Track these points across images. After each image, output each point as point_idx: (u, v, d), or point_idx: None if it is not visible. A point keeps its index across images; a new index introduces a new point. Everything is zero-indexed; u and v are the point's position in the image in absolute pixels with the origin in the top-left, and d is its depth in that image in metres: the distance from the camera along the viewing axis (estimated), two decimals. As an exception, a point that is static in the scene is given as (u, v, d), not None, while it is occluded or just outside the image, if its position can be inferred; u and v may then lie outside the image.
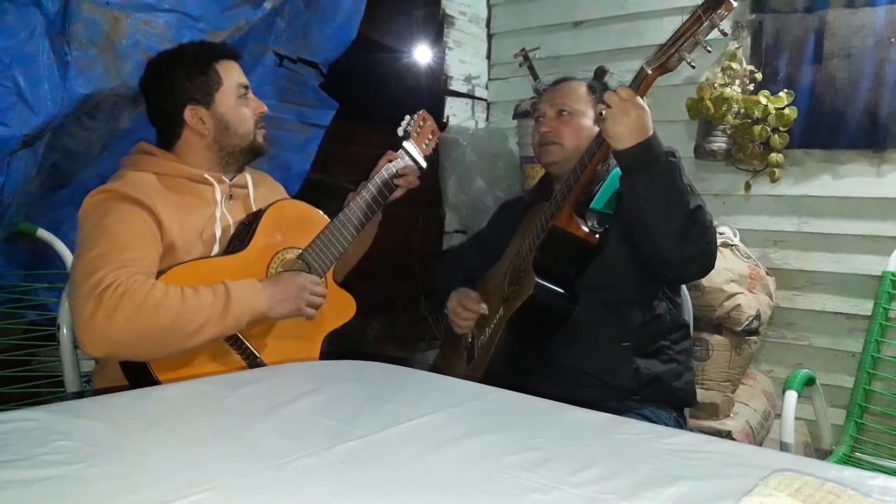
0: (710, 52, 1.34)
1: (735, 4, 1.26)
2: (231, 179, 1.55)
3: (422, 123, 1.74)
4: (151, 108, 1.52)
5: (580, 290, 1.54)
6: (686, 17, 1.32)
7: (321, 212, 1.63)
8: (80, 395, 1.66)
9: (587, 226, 1.53)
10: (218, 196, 1.50)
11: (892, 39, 2.27)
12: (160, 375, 1.32)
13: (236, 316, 1.33)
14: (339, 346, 1.61)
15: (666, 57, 1.33)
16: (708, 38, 1.31)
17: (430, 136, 1.76)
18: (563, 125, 1.65)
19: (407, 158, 1.67)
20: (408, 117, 1.72)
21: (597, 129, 1.65)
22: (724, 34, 1.39)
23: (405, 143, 1.69)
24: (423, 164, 1.71)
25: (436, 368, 1.88)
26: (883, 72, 2.27)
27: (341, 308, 1.62)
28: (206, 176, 1.49)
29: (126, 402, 1.15)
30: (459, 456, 0.91)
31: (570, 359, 1.56)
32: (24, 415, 1.02)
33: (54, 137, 1.68)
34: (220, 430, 1.00)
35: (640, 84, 1.37)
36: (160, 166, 1.46)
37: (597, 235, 1.53)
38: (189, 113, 1.47)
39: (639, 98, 1.36)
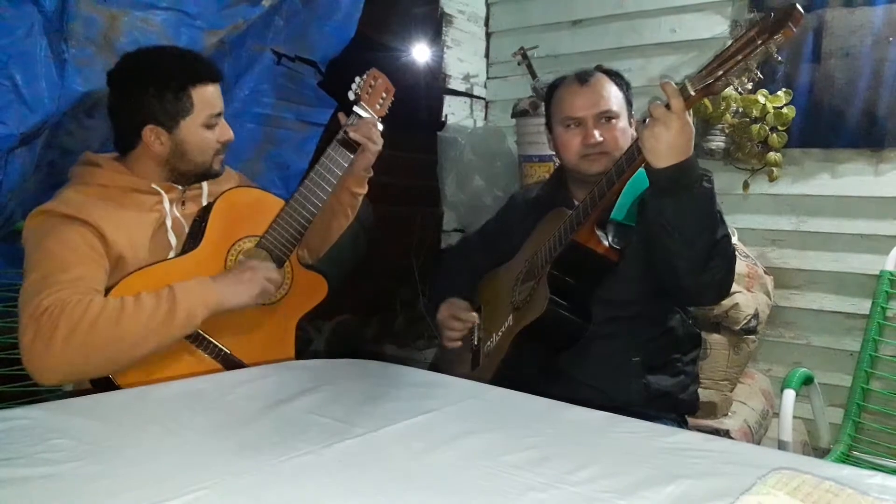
0: (761, 79, 1.23)
1: (795, 31, 1.12)
2: (182, 187, 1.50)
3: (372, 83, 1.63)
4: (113, 107, 1.45)
5: (592, 303, 1.49)
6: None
7: (275, 196, 1.58)
8: (76, 393, 1.66)
9: (608, 240, 1.46)
10: (167, 205, 1.45)
11: (891, 38, 2.27)
12: (121, 381, 1.30)
13: (186, 315, 1.29)
14: (336, 345, 1.61)
15: (713, 78, 1.20)
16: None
17: (384, 95, 1.64)
18: (609, 132, 1.54)
19: (358, 121, 1.58)
20: (357, 78, 1.63)
21: (632, 131, 1.58)
22: (780, 62, 1.25)
23: (355, 107, 1.59)
24: (379, 125, 1.61)
25: (437, 369, 1.85)
26: (881, 71, 2.28)
27: (312, 289, 1.60)
28: (154, 186, 1.44)
29: (123, 401, 1.15)
30: (457, 454, 0.91)
31: (578, 373, 1.51)
32: (20, 413, 1.02)
33: (52, 136, 1.68)
34: (218, 429, 1.00)
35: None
36: (105, 178, 1.41)
37: (617, 252, 1.46)
38: (148, 132, 1.40)
39: (687, 114, 1.24)
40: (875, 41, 2.29)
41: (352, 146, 1.56)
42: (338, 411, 1.08)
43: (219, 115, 1.46)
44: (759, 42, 1.14)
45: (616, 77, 1.63)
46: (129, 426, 1.00)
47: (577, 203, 1.51)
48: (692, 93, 1.23)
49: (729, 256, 1.39)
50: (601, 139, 1.53)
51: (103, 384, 1.31)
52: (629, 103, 1.61)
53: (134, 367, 1.30)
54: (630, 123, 1.60)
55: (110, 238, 1.33)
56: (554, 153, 1.69)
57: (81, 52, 1.59)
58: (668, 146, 1.25)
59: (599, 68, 2.43)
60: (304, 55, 2.37)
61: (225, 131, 1.48)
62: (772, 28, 1.13)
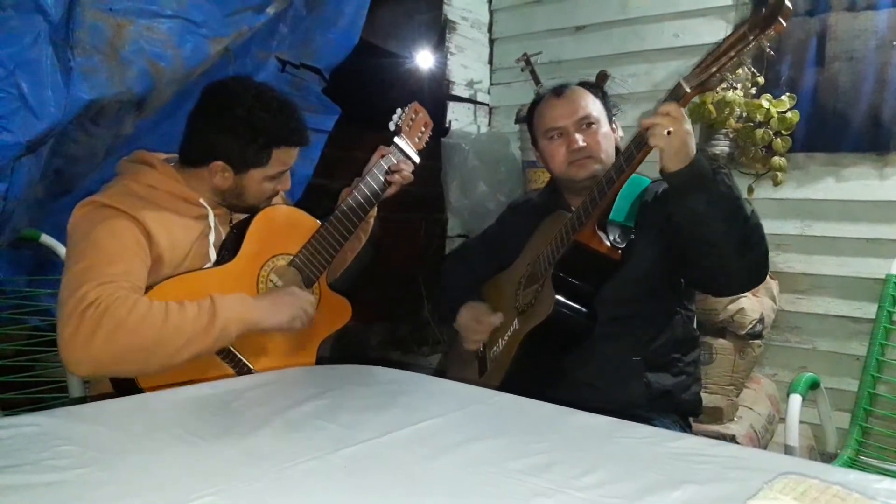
0: (756, 75, 1.25)
1: (785, 24, 1.16)
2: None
3: (413, 116, 1.67)
4: (196, 119, 1.46)
5: (595, 304, 1.50)
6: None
7: (311, 216, 1.60)
8: (82, 400, 1.67)
9: (609, 240, 1.47)
10: (212, 220, 1.46)
11: (895, 42, 2.27)
12: (144, 385, 1.31)
13: (223, 329, 1.30)
14: (342, 351, 1.61)
15: (707, 75, 1.24)
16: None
17: (423, 129, 1.69)
18: (592, 137, 1.57)
19: (399, 154, 1.62)
20: (399, 110, 1.66)
21: (616, 136, 1.63)
22: (772, 54, 1.30)
23: (396, 139, 1.63)
24: (416, 158, 1.65)
25: (443, 375, 1.85)
26: (885, 75, 2.28)
27: (336, 312, 1.61)
28: (202, 201, 1.46)
29: (129, 407, 1.15)
30: (463, 460, 0.91)
31: (580, 374, 1.53)
32: (27, 420, 1.02)
33: (58, 143, 1.68)
34: (224, 435, 1.00)
35: (678, 101, 1.29)
36: (156, 180, 1.41)
37: (619, 251, 1.47)
38: (217, 165, 1.43)
39: (684, 113, 1.29)
40: (879, 45, 2.29)
41: (390, 173, 1.60)
42: (343, 417, 1.08)
43: (287, 170, 1.50)
44: (751, 37, 1.18)
45: (592, 87, 1.67)
46: (135, 433, 1.00)
47: (573, 208, 1.53)
48: (688, 90, 1.27)
49: (761, 230, 1.40)
50: (584, 144, 1.57)
51: (125, 386, 1.32)
52: (609, 111, 1.65)
53: (160, 375, 1.31)
54: (613, 129, 1.64)
55: (155, 237, 1.35)
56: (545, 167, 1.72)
57: (87, 60, 1.59)
58: (681, 148, 1.28)
59: (603, 74, 2.44)
60: (308, 62, 2.37)
61: (285, 182, 1.53)
62: (763, 23, 1.16)
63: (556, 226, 1.55)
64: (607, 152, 1.58)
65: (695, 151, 1.30)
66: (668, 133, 1.26)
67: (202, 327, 1.28)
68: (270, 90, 1.49)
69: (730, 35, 1.22)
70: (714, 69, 1.23)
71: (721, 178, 1.33)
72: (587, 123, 1.59)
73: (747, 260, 1.38)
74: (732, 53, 1.21)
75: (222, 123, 1.42)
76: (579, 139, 1.57)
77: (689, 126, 1.30)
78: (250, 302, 1.37)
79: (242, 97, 1.42)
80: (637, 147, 1.34)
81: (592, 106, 1.61)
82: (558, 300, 1.46)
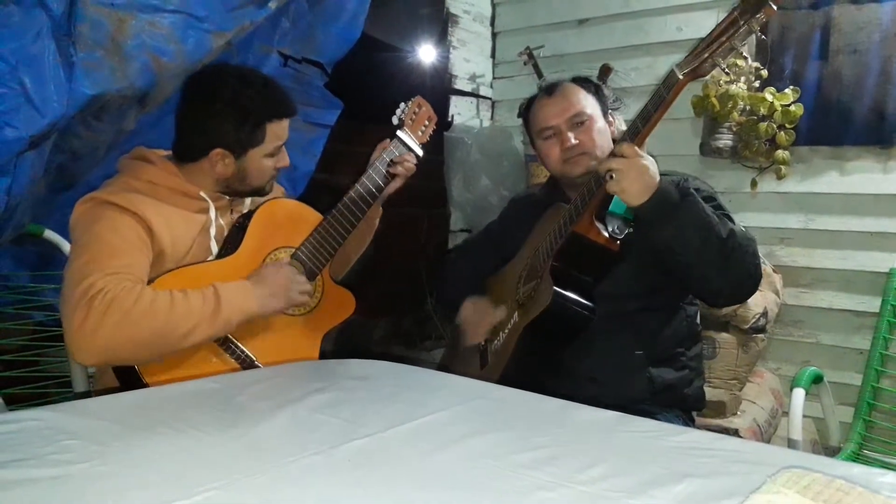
0: (746, 58, 1.28)
1: (775, 8, 1.18)
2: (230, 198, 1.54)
3: (416, 110, 1.67)
4: (185, 117, 1.46)
5: (596, 298, 1.50)
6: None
7: (313, 210, 1.61)
8: (86, 394, 1.67)
9: (607, 231, 1.48)
10: (213, 214, 1.47)
11: (899, 35, 2.25)
12: (148, 379, 1.32)
13: (226, 318, 1.32)
14: (345, 346, 1.62)
15: (698, 62, 1.25)
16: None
17: (427, 123, 1.69)
18: (585, 133, 1.58)
19: (402, 147, 1.62)
20: (402, 104, 1.67)
21: (611, 128, 1.63)
22: (763, 38, 1.33)
23: (399, 132, 1.63)
24: (419, 152, 1.65)
25: (445, 369, 1.86)
26: (889, 68, 2.26)
27: (340, 305, 1.62)
28: (202, 194, 1.46)
29: (132, 402, 1.15)
30: (466, 454, 0.91)
31: (582, 368, 1.53)
32: (31, 415, 1.02)
33: (60, 139, 1.68)
34: (227, 429, 1.00)
35: (671, 89, 1.30)
36: (156, 176, 1.42)
37: (617, 242, 1.48)
38: (216, 154, 1.43)
39: (638, 149, 1.34)
40: (883, 38, 2.27)
41: (392, 165, 1.60)
42: (346, 411, 1.08)
43: (282, 145, 1.51)
44: (742, 22, 1.19)
45: (584, 82, 1.67)
46: (138, 427, 1.01)
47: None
48: (680, 76, 1.28)
49: (744, 246, 1.40)
50: (576, 142, 1.58)
51: (129, 380, 1.32)
52: (604, 105, 1.65)
53: (160, 367, 1.32)
54: (609, 123, 1.64)
55: (156, 232, 1.36)
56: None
57: (89, 55, 1.59)
58: (641, 185, 1.33)
59: (606, 67, 2.43)
60: (310, 57, 2.37)
61: (283, 158, 1.53)
62: (753, 8, 1.18)
63: (555, 218, 1.56)
64: (602, 147, 1.58)
65: (656, 181, 1.33)
66: (621, 177, 1.32)
67: (208, 315, 1.30)
68: (248, 69, 1.52)
69: (721, 21, 1.23)
70: (706, 55, 1.24)
71: (689, 204, 1.35)
72: (579, 121, 1.59)
73: (730, 277, 1.40)
74: (724, 39, 1.22)
75: (212, 111, 1.42)
76: (571, 137, 1.58)
77: (646, 161, 1.33)
78: (250, 290, 1.38)
79: (225, 81, 1.44)
80: (632, 135, 1.37)
81: (585, 102, 1.61)
82: (556, 291, 1.46)
